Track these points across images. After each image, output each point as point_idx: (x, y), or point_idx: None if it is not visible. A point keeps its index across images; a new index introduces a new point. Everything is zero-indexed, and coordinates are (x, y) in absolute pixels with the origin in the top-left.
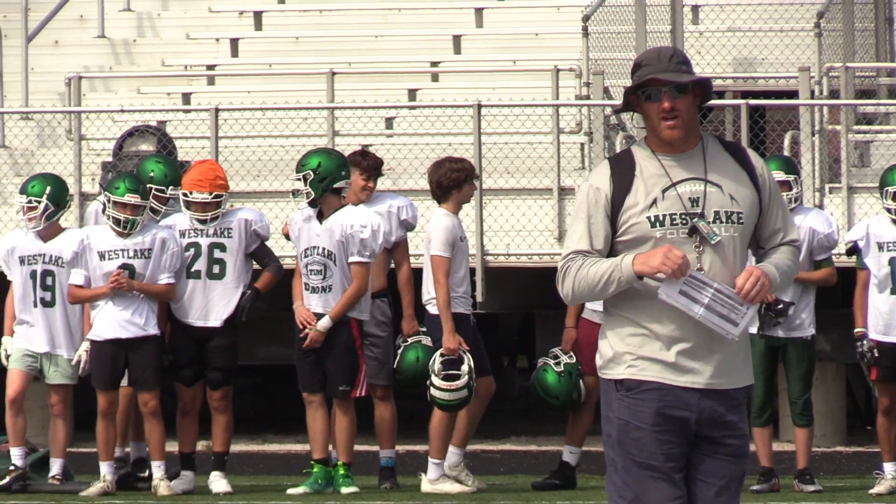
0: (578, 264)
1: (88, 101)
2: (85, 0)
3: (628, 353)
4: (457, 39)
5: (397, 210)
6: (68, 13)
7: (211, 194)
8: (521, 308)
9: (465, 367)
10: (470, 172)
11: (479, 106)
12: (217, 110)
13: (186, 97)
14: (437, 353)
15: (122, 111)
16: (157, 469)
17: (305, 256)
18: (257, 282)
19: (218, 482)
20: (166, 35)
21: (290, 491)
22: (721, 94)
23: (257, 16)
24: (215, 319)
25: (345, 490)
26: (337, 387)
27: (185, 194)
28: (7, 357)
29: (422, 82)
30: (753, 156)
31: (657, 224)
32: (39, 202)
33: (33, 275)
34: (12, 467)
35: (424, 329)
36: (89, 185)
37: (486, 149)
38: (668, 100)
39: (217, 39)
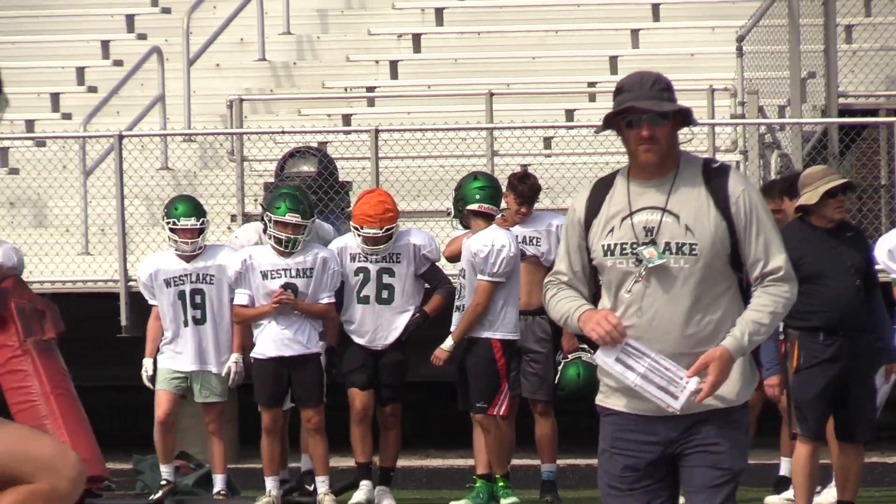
0: (551, 293)
1: (250, 122)
2: (245, 24)
3: (602, 380)
4: (613, 60)
5: (556, 229)
6: (229, 37)
7: (382, 229)
8: None
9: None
10: None
11: None
12: (377, 131)
13: (347, 118)
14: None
15: (283, 132)
16: (322, 484)
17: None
18: (427, 305)
19: (383, 496)
20: (326, 58)
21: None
22: (874, 112)
23: (416, 38)
24: (384, 343)
25: (504, 501)
26: (474, 403)
27: (356, 228)
28: (150, 378)
29: (579, 102)
30: (735, 182)
31: (608, 253)
32: (203, 223)
33: (181, 295)
34: (164, 482)
35: (584, 346)
36: (251, 205)
37: None
38: (647, 128)
39: (376, 61)
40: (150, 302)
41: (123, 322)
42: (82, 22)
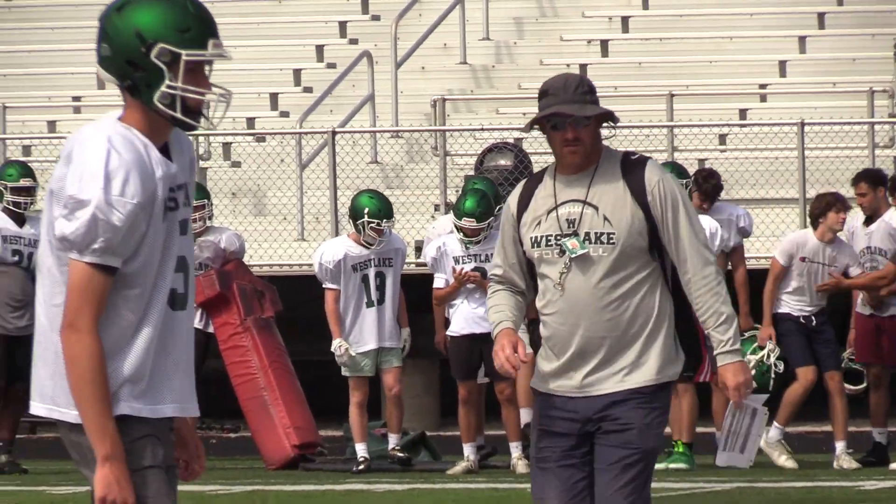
0: (489, 295)
1: (452, 120)
2: (449, 30)
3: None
4: (782, 64)
5: (736, 218)
6: (434, 42)
7: None
8: None
9: (769, 357)
10: (828, 204)
11: (803, 124)
12: None
13: None
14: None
15: (483, 129)
16: (515, 449)
17: None
18: None
19: None
20: (522, 61)
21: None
22: None
23: (604, 44)
24: None
25: (673, 466)
26: (683, 372)
27: None
28: (347, 354)
29: (751, 103)
30: (651, 172)
31: (535, 245)
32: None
33: (365, 279)
34: (361, 458)
35: (759, 326)
36: (453, 196)
37: (808, 162)
38: (571, 131)
39: (567, 65)
40: (329, 286)
41: None
42: (300, 28)
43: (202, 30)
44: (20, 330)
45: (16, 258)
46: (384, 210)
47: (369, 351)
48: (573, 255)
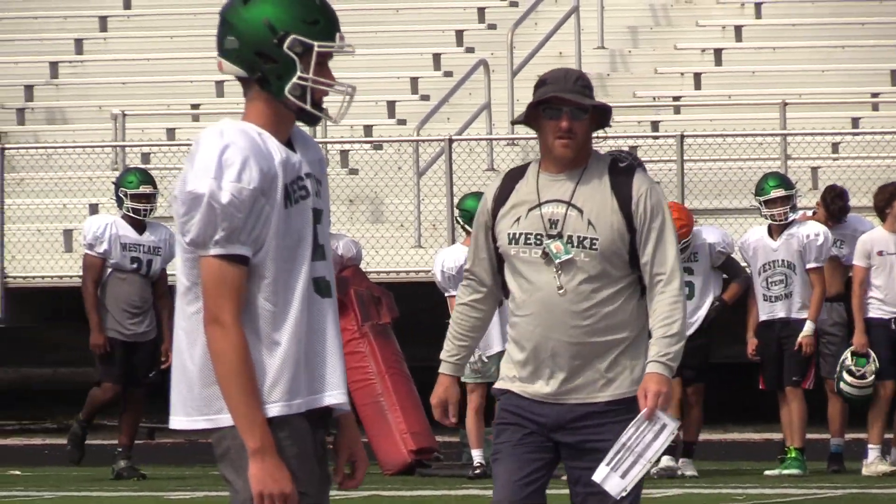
0: (456, 306)
1: None
2: (564, 39)
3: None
4: (894, 73)
5: (859, 235)
6: (549, 50)
7: (681, 243)
8: None
9: (870, 367)
10: (892, 195)
11: None
12: (682, 137)
13: (655, 125)
14: (848, 350)
15: (597, 137)
16: None
17: (764, 271)
18: (725, 293)
19: (687, 467)
20: (636, 70)
21: (767, 472)
22: None
23: (717, 52)
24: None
25: (786, 471)
26: (790, 378)
27: None
28: (480, 359)
29: (863, 111)
30: (640, 181)
31: (513, 242)
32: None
33: None
34: (477, 464)
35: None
36: None
37: None
38: (566, 119)
39: (682, 73)
40: (452, 293)
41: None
42: (417, 37)
43: (330, 23)
44: (137, 336)
45: (134, 265)
46: None
47: (495, 354)
48: (558, 260)
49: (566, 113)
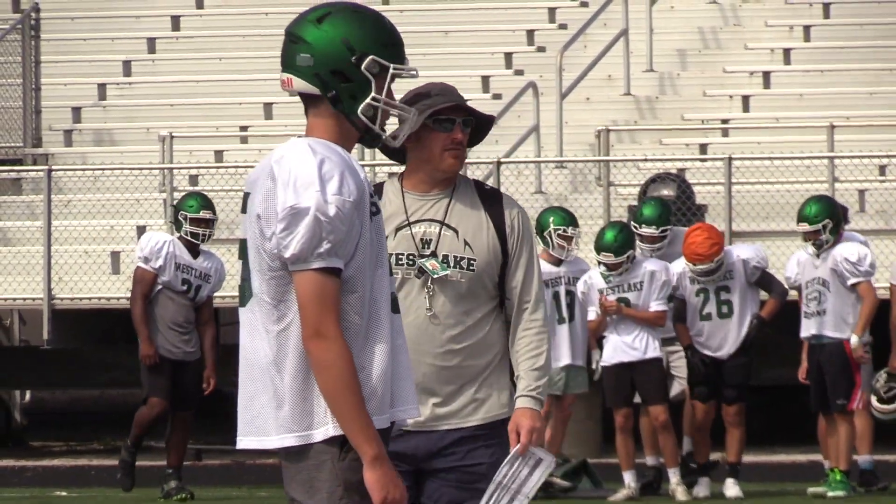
0: None
1: (616, 151)
2: (613, 62)
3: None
4: None
5: None
6: (598, 73)
7: (713, 263)
8: None
9: None
10: None
11: None
12: (731, 159)
13: (703, 147)
14: (884, 370)
15: (646, 160)
16: (673, 475)
17: (806, 288)
18: (762, 309)
19: (731, 488)
20: (685, 92)
21: (810, 490)
22: None
23: (766, 75)
24: (728, 352)
25: (831, 494)
26: (834, 400)
27: (689, 264)
28: None
29: None
30: (509, 204)
31: None
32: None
33: (556, 296)
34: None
35: None
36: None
37: None
38: (460, 131)
39: (730, 96)
40: None
41: None
42: (466, 59)
43: (400, 46)
44: (185, 355)
45: (184, 287)
46: (568, 217)
47: (563, 367)
48: (434, 276)
49: (459, 124)
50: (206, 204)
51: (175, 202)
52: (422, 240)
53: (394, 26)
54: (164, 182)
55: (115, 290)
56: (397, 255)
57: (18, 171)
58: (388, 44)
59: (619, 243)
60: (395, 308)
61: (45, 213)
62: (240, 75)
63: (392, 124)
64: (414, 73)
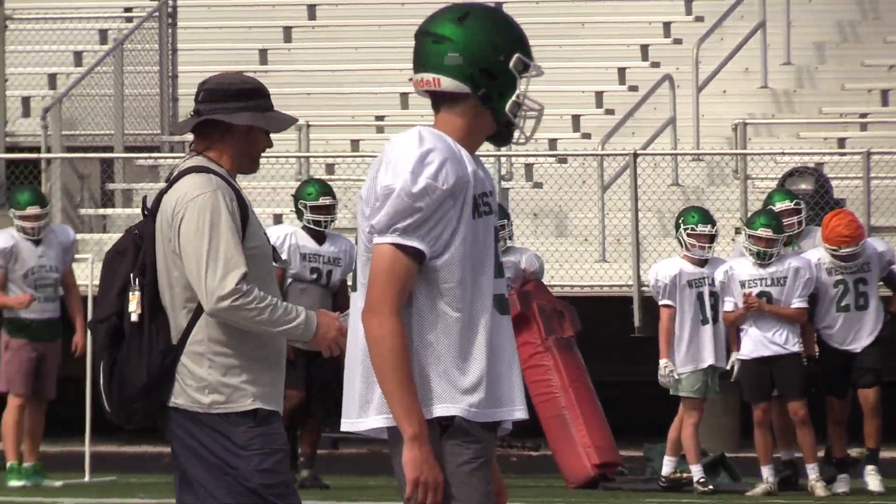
0: (258, 293)
1: (753, 144)
2: (750, 55)
3: (247, 382)
4: None
5: None
6: (735, 66)
7: (858, 246)
8: None
9: None
10: None
11: None
12: (869, 153)
13: (841, 141)
14: None
15: (784, 154)
16: (812, 471)
17: None
18: (890, 305)
19: (872, 477)
20: (823, 86)
21: None
22: None
23: None
24: (860, 346)
25: None
26: None
27: (832, 249)
28: (670, 379)
29: None
30: None
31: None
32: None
33: (700, 296)
34: (701, 479)
35: None
36: None
37: None
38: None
39: (869, 90)
40: (664, 302)
41: (637, 323)
42: (602, 51)
43: (529, 45)
44: None
45: (314, 276)
46: (707, 216)
47: (706, 368)
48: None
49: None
50: (325, 190)
51: (293, 192)
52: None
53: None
54: (301, 171)
55: None
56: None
57: (156, 158)
58: (525, 42)
59: (777, 222)
60: (503, 310)
61: None
62: (376, 64)
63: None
64: (542, 71)
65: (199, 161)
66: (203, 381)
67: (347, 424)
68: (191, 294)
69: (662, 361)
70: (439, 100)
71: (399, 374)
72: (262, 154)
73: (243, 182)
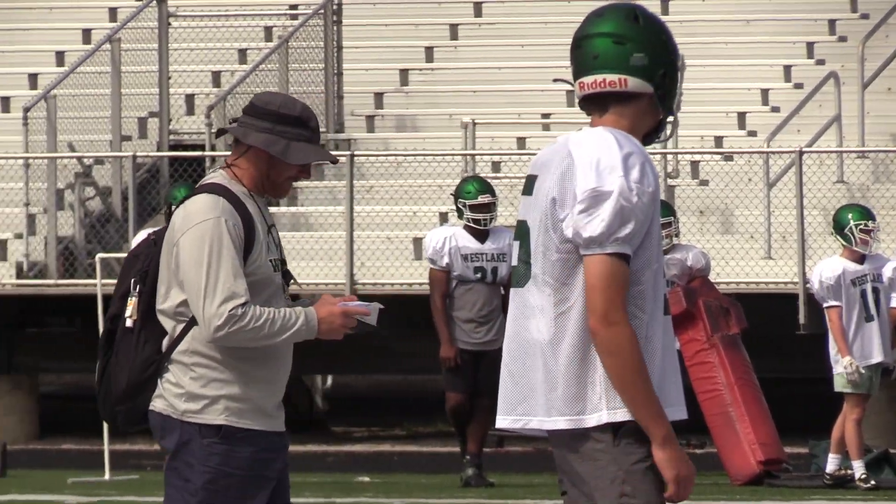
0: (256, 311)
1: None
2: None
3: (224, 397)
4: None
5: None
6: None
7: None
8: None
9: None
10: None
11: None
12: None
13: None
14: None
15: None
16: None
17: None
18: None
19: None
20: None
21: None
22: None
23: None
24: None
25: None
26: None
27: None
28: (857, 371)
29: None
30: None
31: (276, 269)
32: (877, 227)
33: (863, 293)
34: (863, 475)
35: None
36: None
37: None
38: (309, 171)
39: None
40: (830, 303)
41: (801, 321)
42: (767, 48)
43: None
44: (484, 345)
45: (478, 275)
46: (867, 212)
47: (872, 365)
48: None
49: (312, 166)
50: (484, 188)
51: (452, 191)
52: (277, 244)
53: None
54: (467, 168)
55: (417, 276)
56: (273, 261)
57: None
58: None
59: None
60: (667, 309)
61: (348, 198)
62: (542, 62)
63: None
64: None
65: (219, 177)
66: (182, 388)
67: (518, 422)
68: (185, 307)
69: (846, 360)
70: (609, 100)
71: (642, 380)
72: (427, 152)
73: (408, 179)
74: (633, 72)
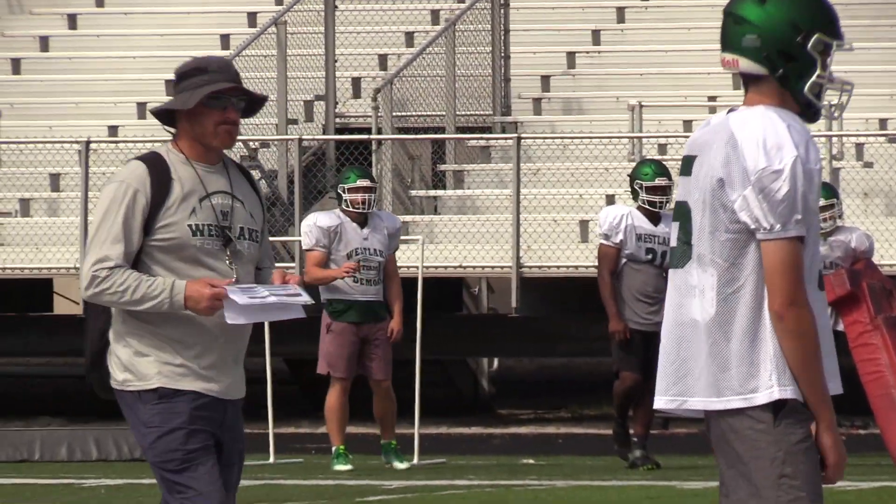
0: (120, 276)
1: None
2: None
3: (156, 361)
4: None
5: None
6: None
7: None
8: None
9: None
10: None
11: None
12: None
13: None
14: None
15: None
16: None
17: None
18: None
19: None
20: None
21: None
22: None
23: None
24: None
25: None
26: None
27: None
28: None
29: None
30: (254, 179)
31: (197, 233)
32: None
33: None
34: None
35: None
36: None
37: None
38: (233, 110)
39: None
40: None
41: None
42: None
43: (838, 22)
44: (655, 326)
45: (649, 256)
46: None
47: None
48: (242, 256)
49: (233, 103)
50: (662, 171)
51: (629, 172)
52: (221, 211)
53: (829, 2)
54: (633, 151)
55: (584, 259)
56: (207, 226)
57: (487, 139)
58: (830, 21)
59: None
60: (821, 285)
61: (514, 181)
62: (708, 45)
63: None
64: (850, 47)
65: (161, 147)
66: (119, 359)
67: (686, 402)
68: None
69: None
70: (747, 79)
71: (819, 365)
72: (594, 135)
73: (575, 162)
74: (744, 52)
